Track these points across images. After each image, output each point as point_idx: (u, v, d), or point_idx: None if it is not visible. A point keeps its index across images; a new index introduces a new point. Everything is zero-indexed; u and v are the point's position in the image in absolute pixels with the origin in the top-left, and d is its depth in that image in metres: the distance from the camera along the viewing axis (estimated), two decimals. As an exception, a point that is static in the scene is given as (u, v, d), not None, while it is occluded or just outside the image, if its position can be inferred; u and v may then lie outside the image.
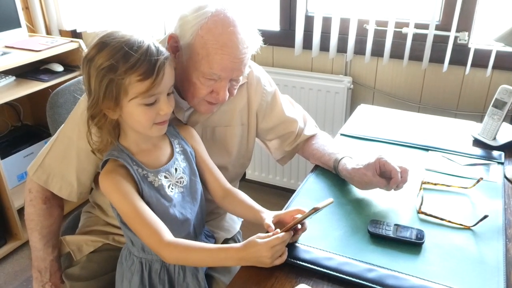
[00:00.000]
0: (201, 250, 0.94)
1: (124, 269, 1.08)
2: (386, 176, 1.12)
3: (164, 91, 0.96)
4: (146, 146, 1.02)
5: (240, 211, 1.11)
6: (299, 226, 0.99)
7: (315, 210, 0.91)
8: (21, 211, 2.07)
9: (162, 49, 0.95)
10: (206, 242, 1.14)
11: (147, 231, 0.94)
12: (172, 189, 1.02)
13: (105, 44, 0.91)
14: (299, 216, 0.96)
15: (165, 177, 1.02)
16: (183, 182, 1.05)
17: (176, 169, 1.04)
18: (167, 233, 0.94)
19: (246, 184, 1.14)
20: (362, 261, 0.93)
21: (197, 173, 1.09)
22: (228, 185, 1.14)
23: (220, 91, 1.08)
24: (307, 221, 0.98)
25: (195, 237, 1.08)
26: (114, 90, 0.91)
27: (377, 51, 1.99)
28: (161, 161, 1.04)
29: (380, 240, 1.00)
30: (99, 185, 1.19)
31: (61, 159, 1.10)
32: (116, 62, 0.89)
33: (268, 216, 1.01)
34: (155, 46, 0.93)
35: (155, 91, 0.93)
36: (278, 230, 0.93)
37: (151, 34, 0.97)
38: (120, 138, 1.01)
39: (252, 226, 1.07)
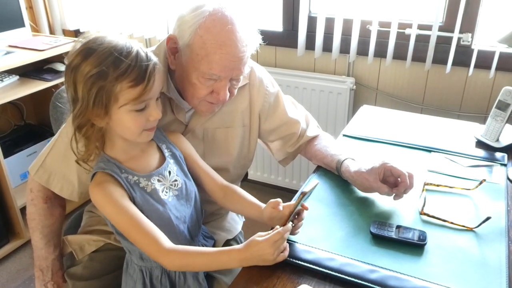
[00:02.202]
0: (202, 254, 0.94)
1: (128, 277, 1.07)
2: (389, 182, 1.12)
3: (154, 97, 0.95)
4: (134, 152, 1.01)
5: (241, 208, 1.11)
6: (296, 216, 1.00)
7: (303, 194, 0.94)
8: (23, 210, 2.07)
9: (150, 54, 0.94)
10: (205, 244, 1.14)
11: (145, 240, 0.92)
12: (166, 192, 1.01)
13: (91, 50, 0.89)
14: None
15: (159, 180, 1.01)
16: (177, 185, 1.04)
17: (169, 172, 1.03)
18: (165, 240, 0.93)
19: (248, 184, 1.15)
20: (364, 262, 0.93)
21: (189, 175, 1.09)
22: (225, 182, 1.14)
23: (220, 91, 1.08)
24: (304, 212, 0.99)
25: (191, 239, 1.07)
26: (104, 97, 0.89)
27: (380, 52, 1.99)
28: (152, 166, 1.02)
29: (382, 241, 1.00)
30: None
31: (62, 159, 1.10)
32: (106, 68, 0.87)
33: (268, 206, 1.03)
34: (143, 52, 0.92)
35: (146, 97, 0.92)
36: (278, 226, 0.93)
37: (137, 40, 0.96)
38: (106, 148, 0.99)
39: (254, 226, 1.07)
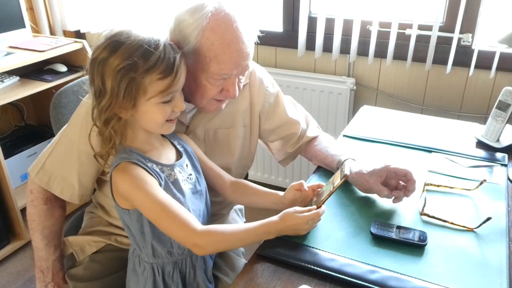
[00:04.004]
0: (239, 229, 0.96)
1: (137, 276, 1.06)
2: (390, 184, 1.12)
3: (180, 89, 0.97)
4: (155, 144, 1.02)
5: (256, 199, 1.13)
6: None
7: (346, 177, 0.99)
8: (24, 211, 2.06)
9: (175, 46, 0.95)
10: None
11: (177, 223, 0.92)
12: (185, 184, 1.03)
13: (119, 43, 0.90)
14: (322, 189, 1.06)
15: (179, 172, 1.02)
16: (192, 178, 1.05)
17: (187, 165, 1.05)
18: (197, 222, 0.93)
19: None
20: (365, 263, 0.93)
21: (201, 170, 1.10)
22: (232, 178, 1.16)
23: (230, 88, 1.09)
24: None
25: None
26: (134, 89, 0.89)
27: (380, 52, 1.99)
28: (171, 158, 1.04)
29: (383, 241, 1.00)
30: (102, 186, 1.20)
31: (62, 161, 1.10)
32: (137, 59, 0.88)
33: (291, 189, 1.08)
34: (169, 44, 0.94)
35: (173, 89, 0.93)
36: (314, 206, 0.99)
37: (160, 32, 0.96)
38: (127, 141, 1.00)
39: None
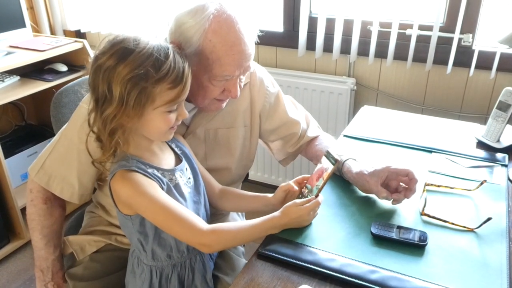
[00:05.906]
0: (245, 226, 0.97)
1: (135, 277, 1.06)
2: (391, 186, 1.12)
3: (185, 98, 0.96)
4: (155, 150, 1.02)
5: (244, 204, 1.14)
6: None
7: (338, 163, 1.03)
8: (24, 210, 2.06)
9: (182, 54, 0.95)
10: None
11: (184, 225, 0.92)
12: (185, 187, 1.03)
13: (128, 50, 0.87)
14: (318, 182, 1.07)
15: (180, 176, 1.02)
16: (190, 182, 1.06)
17: (186, 169, 1.06)
18: (202, 222, 0.94)
19: (249, 185, 1.17)
20: (365, 263, 0.93)
21: (199, 172, 1.10)
22: (220, 186, 1.17)
23: (232, 88, 1.09)
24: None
25: None
26: (143, 99, 0.88)
27: (381, 53, 1.99)
28: (171, 163, 1.04)
29: (383, 241, 1.00)
30: (102, 186, 1.20)
31: (62, 161, 1.10)
32: (148, 70, 0.86)
33: (281, 190, 1.09)
34: (177, 52, 0.93)
35: (181, 98, 0.93)
36: (313, 196, 1.02)
37: (161, 33, 0.95)
38: (129, 148, 0.98)
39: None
